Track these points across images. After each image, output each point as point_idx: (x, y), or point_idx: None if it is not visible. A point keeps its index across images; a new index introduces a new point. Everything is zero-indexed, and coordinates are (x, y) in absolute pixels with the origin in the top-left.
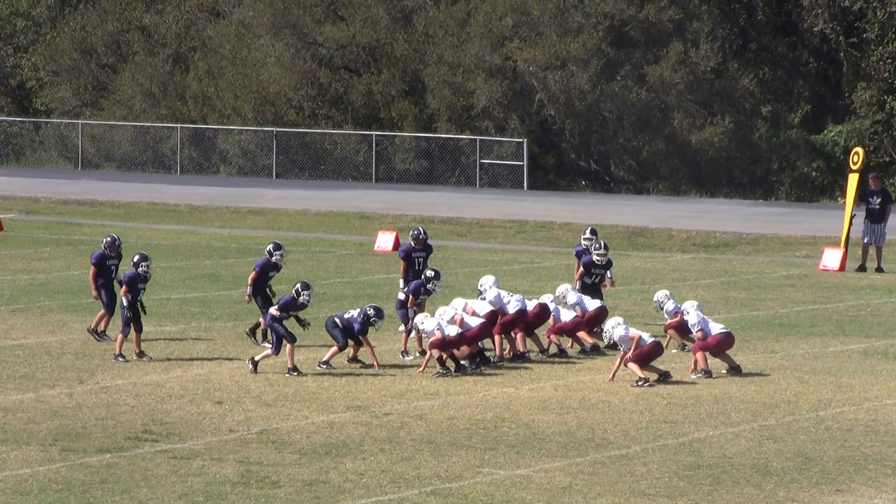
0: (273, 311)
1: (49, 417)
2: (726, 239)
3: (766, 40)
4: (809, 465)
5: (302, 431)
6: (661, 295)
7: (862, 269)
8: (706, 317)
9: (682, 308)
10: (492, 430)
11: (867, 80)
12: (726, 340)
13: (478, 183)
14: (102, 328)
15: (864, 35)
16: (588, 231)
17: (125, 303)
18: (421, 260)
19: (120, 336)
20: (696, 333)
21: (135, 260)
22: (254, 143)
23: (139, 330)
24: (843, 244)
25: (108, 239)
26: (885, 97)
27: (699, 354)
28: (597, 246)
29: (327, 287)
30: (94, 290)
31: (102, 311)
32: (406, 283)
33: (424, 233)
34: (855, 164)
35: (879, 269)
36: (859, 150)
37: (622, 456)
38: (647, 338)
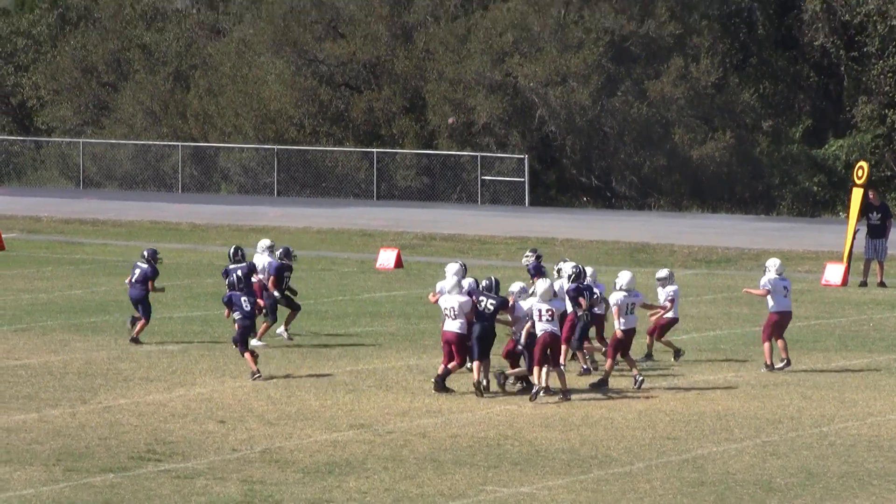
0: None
1: (52, 437)
2: (728, 254)
3: (766, 55)
4: (813, 481)
5: (305, 450)
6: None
7: (864, 284)
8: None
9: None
10: (495, 447)
11: (868, 94)
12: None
13: (479, 199)
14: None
15: (865, 49)
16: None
17: (276, 294)
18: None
19: (264, 326)
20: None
21: (280, 252)
22: (255, 160)
23: (296, 309)
24: (845, 259)
25: (148, 252)
26: (886, 111)
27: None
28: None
29: (329, 305)
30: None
31: (143, 320)
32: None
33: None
34: (860, 178)
35: (882, 284)
36: (864, 164)
37: (626, 473)
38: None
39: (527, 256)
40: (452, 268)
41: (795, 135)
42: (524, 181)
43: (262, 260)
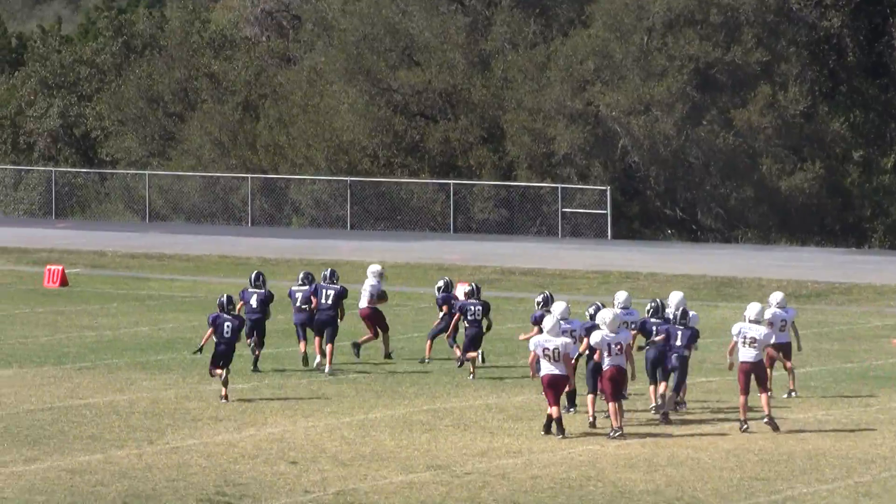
0: None
1: (118, 479)
2: (818, 289)
3: (856, 82)
4: None
5: (380, 492)
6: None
7: None
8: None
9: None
10: (577, 489)
11: None
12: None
13: (560, 232)
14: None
15: None
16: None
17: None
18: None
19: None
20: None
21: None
22: (327, 193)
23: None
24: None
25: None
26: None
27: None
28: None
29: (405, 341)
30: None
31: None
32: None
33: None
34: None
35: None
36: None
37: None
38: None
39: (438, 287)
40: (559, 307)
41: (887, 165)
42: (606, 213)
43: (369, 283)
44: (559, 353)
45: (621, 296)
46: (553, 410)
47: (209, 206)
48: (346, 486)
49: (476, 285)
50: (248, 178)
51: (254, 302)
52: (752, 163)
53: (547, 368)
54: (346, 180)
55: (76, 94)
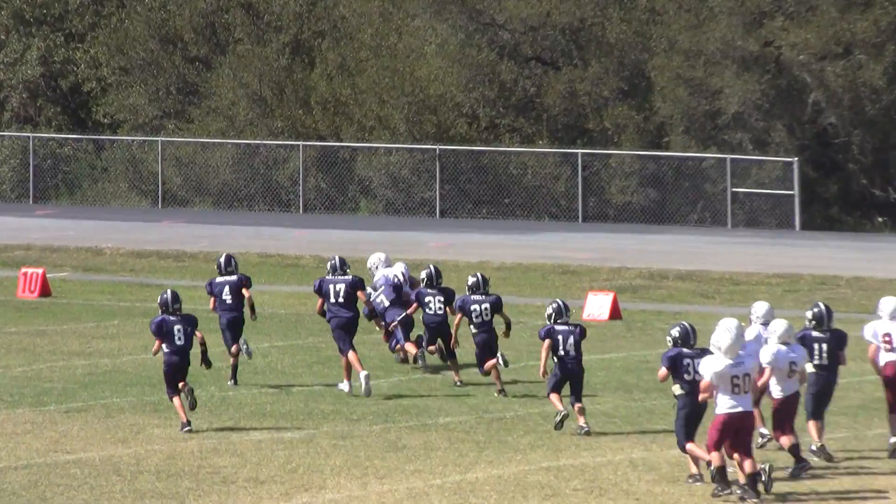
0: None
1: None
2: None
3: None
4: None
5: None
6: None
7: None
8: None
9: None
10: None
11: None
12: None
13: (729, 221)
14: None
15: None
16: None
17: None
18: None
19: None
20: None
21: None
22: (408, 167)
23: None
24: None
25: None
26: None
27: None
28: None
29: (517, 372)
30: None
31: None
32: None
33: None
34: None
35: None
36: None
37: None
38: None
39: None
40: (730, 325)
41: None
42: (793, 195)
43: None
44: (749, 378)
45: (761, 308)
46: (715, 457)
47: (245, 186)
48: None
49: (482, 276)
50: (298, 146)
51: (227, 294)
52: None
53: (728, 404)
54: (435, 149)
55: (63, 31)
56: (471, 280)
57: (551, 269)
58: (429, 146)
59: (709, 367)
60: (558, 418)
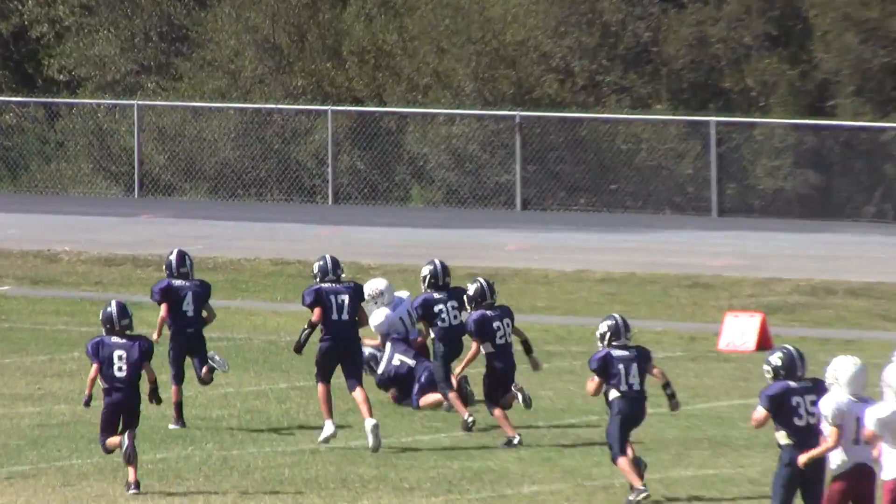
0: None
1: None
2: None
3: None
4: None
5: None
6: None
7: None
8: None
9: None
10: None
11: None
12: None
13: None
14: None
15: None
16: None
17: None
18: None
19: None
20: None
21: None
22: (477, 141)
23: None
24: None
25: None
26: None
27: None
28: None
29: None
30: None
31: None
32: None
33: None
34: None
35: None
36: None
37: None
38: None
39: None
40: None
41: None
42: None
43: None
44: None
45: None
46: None
47: (253, 168)
48: None
49: (487, 281)
50: (326, 112)
51: (189, 304)
52: None
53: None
54: (514, 116)
55: None
56: (472, 288)
57: (675, 282)
58: (506, 112)
59: (873, 414)
60: (638, 497)
